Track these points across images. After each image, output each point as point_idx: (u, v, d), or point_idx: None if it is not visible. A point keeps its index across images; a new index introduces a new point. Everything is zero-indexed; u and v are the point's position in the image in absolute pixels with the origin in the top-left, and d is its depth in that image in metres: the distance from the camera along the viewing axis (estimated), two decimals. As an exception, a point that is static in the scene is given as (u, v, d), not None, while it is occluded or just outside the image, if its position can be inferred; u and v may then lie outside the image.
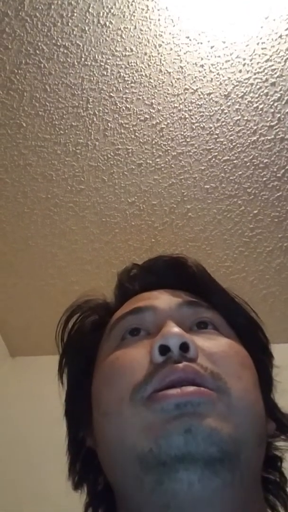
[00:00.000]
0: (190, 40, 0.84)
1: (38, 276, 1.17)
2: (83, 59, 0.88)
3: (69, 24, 0.85)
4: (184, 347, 0.31)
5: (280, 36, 0.82)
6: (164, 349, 0.31)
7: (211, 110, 0.90)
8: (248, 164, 0.96)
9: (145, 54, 0.87)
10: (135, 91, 0.90)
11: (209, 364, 0.31)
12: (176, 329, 0.32)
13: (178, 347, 0.31)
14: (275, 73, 0.86)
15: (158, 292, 0.39)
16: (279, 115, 0.90)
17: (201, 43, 0.84)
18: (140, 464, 0.28)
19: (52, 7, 0.83)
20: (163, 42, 0.85)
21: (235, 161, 0.96)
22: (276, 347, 0.43)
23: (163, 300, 0.38)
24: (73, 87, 0.91)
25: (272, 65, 0.85)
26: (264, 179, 0.98)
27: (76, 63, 0.89)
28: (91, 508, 0.39)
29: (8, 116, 0.93)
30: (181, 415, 0.28)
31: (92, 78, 0.90)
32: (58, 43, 0.86)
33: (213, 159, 0.97)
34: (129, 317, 0.37)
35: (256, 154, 0.95)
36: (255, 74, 0.86)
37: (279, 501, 0.37)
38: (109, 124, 0.94)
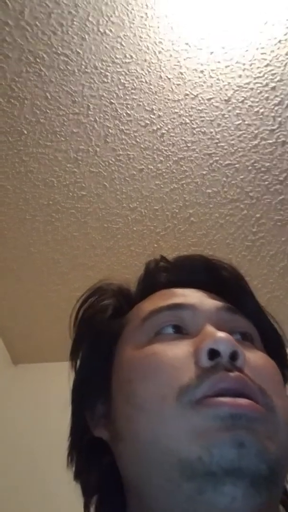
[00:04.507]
0: (189, 46, 0.85)
1: (40, 283, 1.17)
2: (83, 66, 0.89)
3: (69, 33, 0.85)
4: (233, 355, 0.30)
5: (279, 41, 0.83)
6: (213, 354, 0.30)
7: (211, 115, 0.91)
8: (249, 168, 0.97)
9: (145, 61, 0.87)
10: (135, 97, 0.91)
11: (255, 378, 0.31)
12: (226, 335, 0.30)
13: (229, 355, 0.30)
14: (275, 77, 0.86)
15: (191, 290, 0.37)
16: (280, 119, 0.90)
17: (201, 49, 0.85)
18: (181, 470, 0.27)
19: (52, 16, 0.84)
20: (162, 49, 0.85)
21: (236, 165, 0.96)
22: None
23: (200, 300, 0.36)
24: (73, 94, 0.91)
25: (272, 70, 0.86)
26: (266, 182, 0.98)
27: (76, 71, 0.89)
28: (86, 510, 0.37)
29: (9, 123, 0.94)
30: (235, 426, 0.27)
31: (92, 85, 0.90)
32: (59, 51, 0.87)
33: (215, 164, 0.97)
34: (166, 312, 0.35)
35: (258, 158, 0.95)
36: (255, 79, 0.87)
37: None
38: (110, 130, 0.95)
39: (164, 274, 0.41)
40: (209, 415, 0.28)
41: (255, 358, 0.33)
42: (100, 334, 0.39)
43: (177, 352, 0.32)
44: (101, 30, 0.85)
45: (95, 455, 0.37)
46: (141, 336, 0.35)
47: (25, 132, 0.95)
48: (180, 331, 0.34)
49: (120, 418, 0.33)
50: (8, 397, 1.25)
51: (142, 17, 0.83)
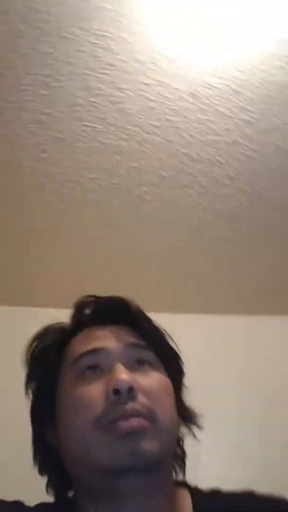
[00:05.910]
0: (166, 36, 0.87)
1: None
2: (61, 30, 0.87)
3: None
4: (130, 389, 0.47)
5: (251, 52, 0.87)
6: (117, 391, 0.47)
7: (178, 106, 0.95)
8: (204, 160, 1.04)
9: (121, 38, 0.88)
10: (108, 72, 0.92)
11: (146, 400, 0.48)
12: (125, 376, 0.47)
13: (127, 391, 0.46)
14: (241, 83, 0.92)
15: (109, 330, 0.54)
16: (236, 121, 0.97)
17: (177, 43, 0.87)
18: (100, 471, 0.45)
19: None
20: (140, 30, 0.86)
21: (193, 156, 1.03)
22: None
23: (113, 341, 0.53)
24: (46, 55, 0.90)
25: (239, 76, 0.91)
26: (217, 175, 1.07)
27: (52, 33, 0.87)
28: (50, 487, 0.56)
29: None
30: (129, 440, 0.45)
31: (67, 51, 0.90)
32: (38, 9, 0.84)
33: (174, 151, 1.03)
34: (85, 357, 0.52)
35: (213, 153, 1.03)
36: (222, 79, 0.92)
37: (180, 468, 0.56)
38: (78, 100, 0.96)
39: (90, 312, 0.58)
40: (113, 435, 0.45)
41: (148, 381, 0.50)
42: (46, 369, 0.55)
43: (93, 392, 0.48)
44: (83, -4, 0.84)
45: (49, 456, 0.55)
46: (71, 375, 0.52)
47: (-9, 86, 0.93)
48: (97, 370, 0.51)
49: (62, 437, 0.51)
50: None
51: (125, -7, 0.82)
